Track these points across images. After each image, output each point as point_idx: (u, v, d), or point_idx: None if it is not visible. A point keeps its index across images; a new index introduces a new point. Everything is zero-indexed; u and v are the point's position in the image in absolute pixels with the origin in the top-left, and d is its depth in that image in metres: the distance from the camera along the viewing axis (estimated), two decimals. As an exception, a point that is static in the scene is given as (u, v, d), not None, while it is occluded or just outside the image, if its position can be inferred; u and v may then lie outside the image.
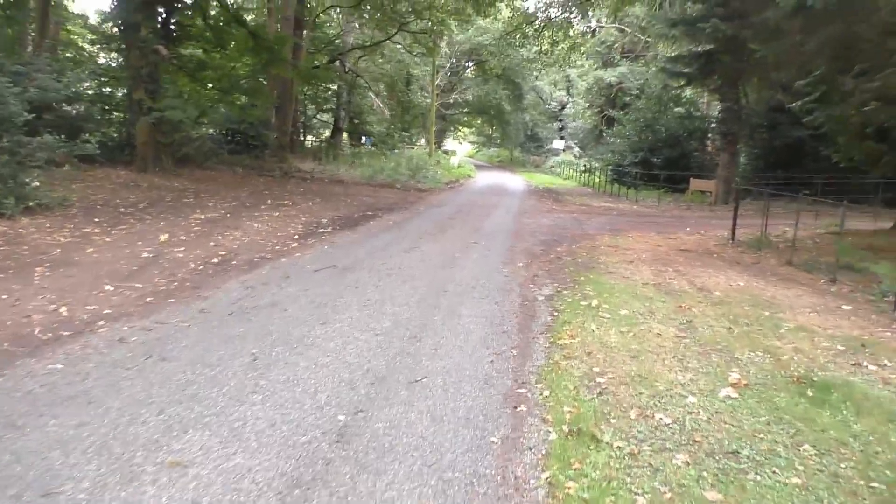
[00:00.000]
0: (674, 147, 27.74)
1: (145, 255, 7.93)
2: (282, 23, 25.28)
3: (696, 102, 31.06)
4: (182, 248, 8.49)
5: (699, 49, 10.88)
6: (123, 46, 17.99)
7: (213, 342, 4.77)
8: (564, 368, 4.57)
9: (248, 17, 30.48)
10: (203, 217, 11.58)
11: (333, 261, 8.31)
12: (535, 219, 15.39)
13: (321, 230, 11.30)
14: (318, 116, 41.61)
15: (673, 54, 16.31)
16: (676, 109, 29.34)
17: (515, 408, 3.89)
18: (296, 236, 10.42)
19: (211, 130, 26.13)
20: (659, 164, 27.11)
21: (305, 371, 4.28)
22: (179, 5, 18.85)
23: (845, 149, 12.49)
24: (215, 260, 7.99)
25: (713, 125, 28.85)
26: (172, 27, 18.48)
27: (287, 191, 17.59)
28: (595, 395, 4.07)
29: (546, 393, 4.12)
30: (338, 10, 35.57)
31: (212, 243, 9.10)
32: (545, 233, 12.67)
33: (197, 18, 20.33)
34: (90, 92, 21.63)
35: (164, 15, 17.88)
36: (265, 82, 25.61)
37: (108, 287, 6.22)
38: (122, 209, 11.55)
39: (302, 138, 38.98)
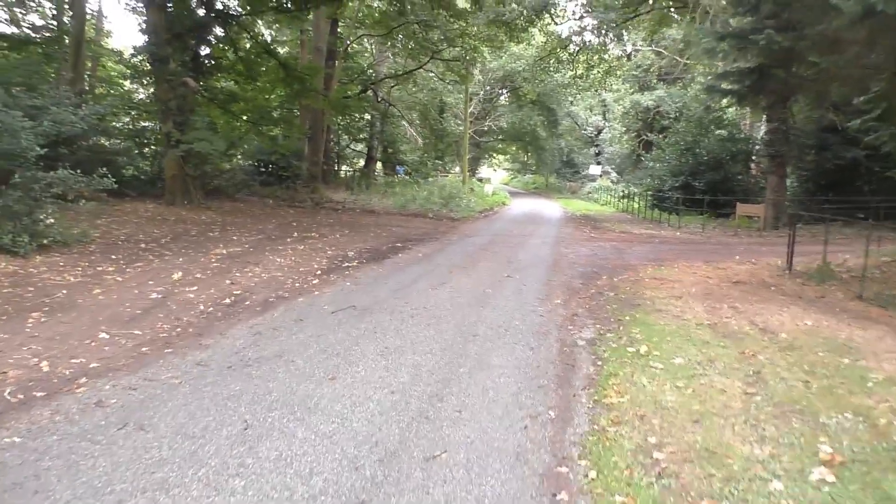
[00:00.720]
0: (716, 170, 26.66)
1: (154, 295, 7.42)
2: (314, 53, 25.26)
3: (739, 124, 29.95)
4: (195, 288, 7.98)
5: (749, 65, 10.07)
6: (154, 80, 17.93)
7: (202, 404, 4.14)
8: (613, 438, 3.80)
9: (282, 50, 30.71)
10: (224, 252, 11.13)
11: (354, 300, 7.67)
12: (573, 248, 14.60)
13: (346, 264, 10.73)
14: (352, 146, 41.60)
15: (720, 71, 15.45)
16: (718, 132, 28.29)
17: (555, 496, 3.15)
18: (318, 272, 9.85)
19: (244, 162, 26.08)
20: (701, 189, 26.05)
21: (303, 444, 3.60)
22: (210, 38, 18.83)
23: (911, 169, 11.43)
24: (227, 301, 7.44)
25: (757, 147, 27.73)
26: (203, 60, 18.43)
27: (316, 222, 17.17)
28: (654, 479, 3.29)
29: (592, 474, 3.36)
30: (371, 40, 35.69)
31: (227, 281, 8.58)
32: (584, 264, 11.89)
33: (228, 51, 20.33)
34: (129, 127, 21.84)
35: (194, 48, 17.84)
36: (297, 113, 25.56)
37: (103, 335, 5.68)
38: (142, 245, 11.19)
39: (336, 168, 38.96)
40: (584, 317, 7.22)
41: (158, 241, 11.87)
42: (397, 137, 39.04)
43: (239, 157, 23.18)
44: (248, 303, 7.43)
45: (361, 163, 41.58)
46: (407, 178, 36.28)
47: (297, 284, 8.76)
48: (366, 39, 36.32)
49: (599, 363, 5.36)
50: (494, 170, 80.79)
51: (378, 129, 37.35)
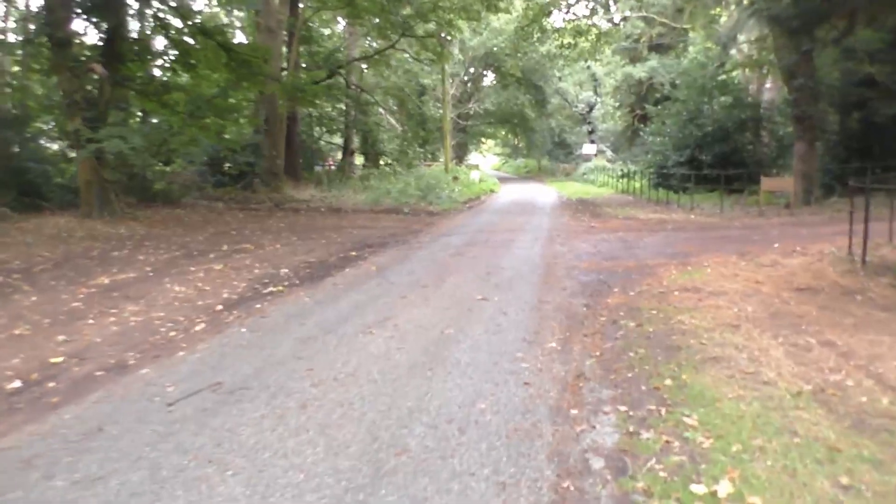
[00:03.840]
0: (724, 141, 23.99)
1: None
2: (265, 35, 22.31)
3: (746, 88, 27.11)
4: (-10, 357, 5.15)
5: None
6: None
7: None
8: None
9: (240, 36, 27.77)
10: (107, 281, 8.30)
11: (227, 369, 4.83)
12: (571, 245, 11.77)
13: (269, 290, 7.92)
14: (327, 138, 38.57)
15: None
16: (723, 98, 25.48)
17: None
18: (219, 306, 7.03)
19: (195, 161, 23.06)
20: (709, 163, 23.36)
21: None
22: (128, 17, 15.90)
23: None
24: (17, 384, 4.60)
25: (766, 112, 25.04)
26: (120, 43, 15.43)
27: (263, 228, 14.32)
28: None
29: None
30: (341, 22, 32.65)
31: (62, 336, 5.75)
32: (586, 269, 9.06)
33: (157, 33, 17.43)
34: (45, 128, 19.11)
35: (107, 29, 14.92)
36: (250, 101, 22.54)
37: None
38: (1, 276, 8.36)
39: (314, 162, 35.97)
40: (597, 383, 4.39)
41: (31, 269, 9.03)
42: (375, 126, 35.99)
43: (178, 154, 20.08)
44: (53, 384, 4.59)
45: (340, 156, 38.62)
46: (387, 168, 33.34)
47: (171, 334, 5.93)
48: (335, 23, 33.33)
49: (641, 539, 2.55)
50: (484, 156, 77.87)
51: (353, 117, 34.32)
